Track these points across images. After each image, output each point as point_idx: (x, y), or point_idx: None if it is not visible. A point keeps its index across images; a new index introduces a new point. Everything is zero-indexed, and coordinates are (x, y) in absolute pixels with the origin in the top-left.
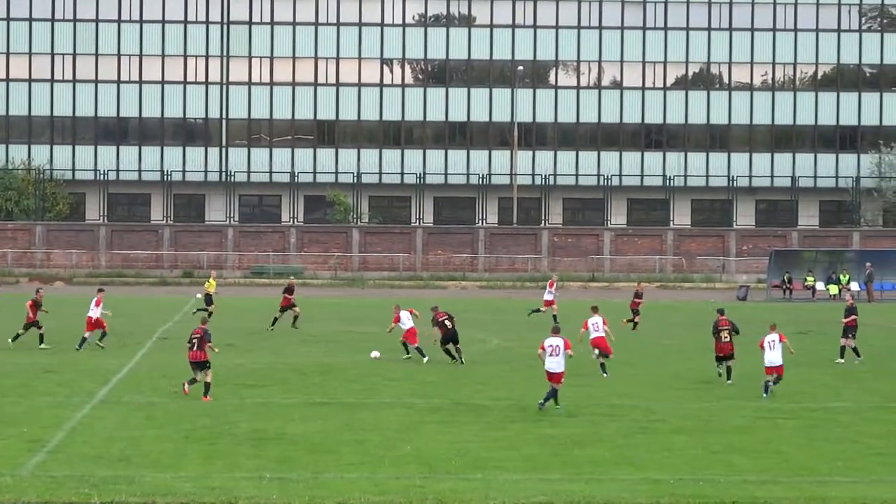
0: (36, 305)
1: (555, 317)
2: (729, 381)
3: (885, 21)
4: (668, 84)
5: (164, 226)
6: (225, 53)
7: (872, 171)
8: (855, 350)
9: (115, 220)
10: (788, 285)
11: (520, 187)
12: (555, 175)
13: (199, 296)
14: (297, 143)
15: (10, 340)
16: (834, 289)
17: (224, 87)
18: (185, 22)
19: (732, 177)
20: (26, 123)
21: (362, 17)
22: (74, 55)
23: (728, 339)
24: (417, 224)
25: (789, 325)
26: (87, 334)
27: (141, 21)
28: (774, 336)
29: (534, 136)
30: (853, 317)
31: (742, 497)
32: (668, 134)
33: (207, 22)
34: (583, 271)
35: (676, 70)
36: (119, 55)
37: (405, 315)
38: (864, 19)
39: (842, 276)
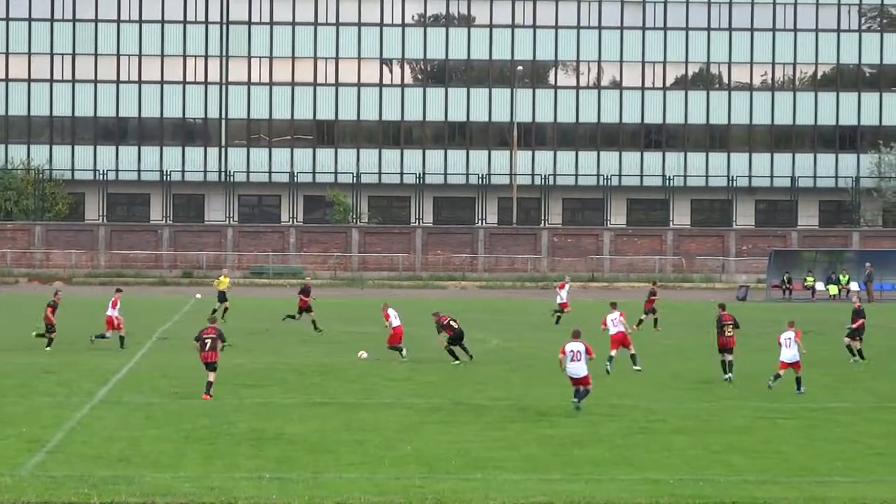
0: (53, 308)
1: (559, 317)
2: (728, 376)
3: (884, 21)
4: (668, 84)
5: (164, 226)
6: (224, 53)
7: (872, 171)
8: (860, 352)
9: (115, 220)
10: (788, 285)
11: (519, 187)
12: (554, 175)
13: (198, 296)
14: (297, 143)
15: (46, 348)
16: (834, 289)
17: (223, 87)
18: (185, 22)
19: (732, 177)
20: (25, 123)
21: (361, 17)
22: (74, 55)
23: (731, 334)
24: (417, 224)
25: None
26: (108, 333)
27: (140, 21)
28: (791, 333)
29: (533, 136)
30: (861, 320)
31: (742, 497)
32: (667, 134)
33: (207, 22)
34: (582, 271)
35: (676, 70)
36: (118, 55)
37: (392, 313)
38: (863, 19)
39: (841, 277)
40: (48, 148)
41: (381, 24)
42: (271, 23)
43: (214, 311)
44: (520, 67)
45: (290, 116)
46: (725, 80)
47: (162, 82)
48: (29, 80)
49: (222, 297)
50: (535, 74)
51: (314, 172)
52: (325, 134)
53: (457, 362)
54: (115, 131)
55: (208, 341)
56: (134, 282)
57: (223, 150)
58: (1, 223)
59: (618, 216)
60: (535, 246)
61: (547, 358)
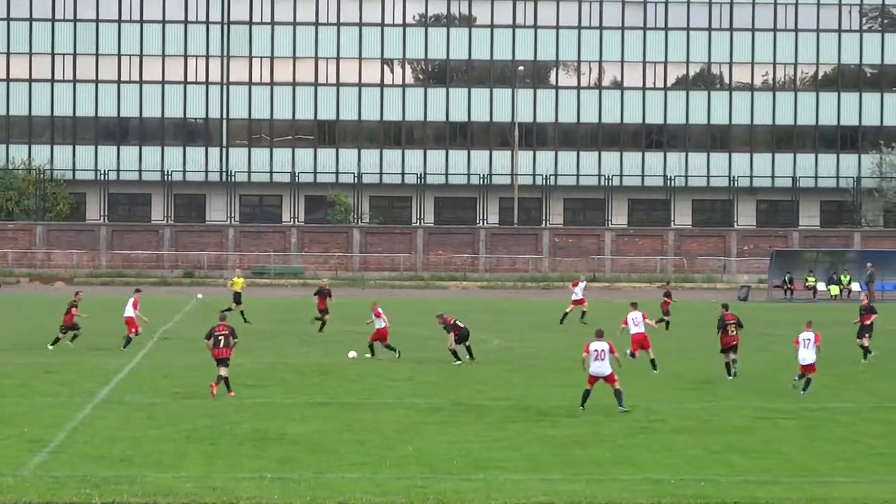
0: (74, 308)
1: (580, 315)
2: (734, 371)
3: (885, 21)
4: (669, 84)
5: (165, 226)
6: (225, 53)
7: (873, 171)
8: (867, 350)
9: (116, 221)
10: (789, 286)
11: (520, 187)
12: (555, 175)
13: (199, 296)
14: (298, 143)
15: (70, 343)
16: (835, 289)
17: (224, 87)
18: (186, 22)
19: (733, 177)
20: (27, 123)
21: (363, 17)
22: (75, 55)
23: (734, 333)
24: (418, 224)
25: (790, 326)
26: (130, 334)
27: (141, 21)
28: (810, 335)
29: (534, 136)
30: (873, 315)
31: (743, 497)
32: (668, 134)
33: (208, 22)
34: (584, 271)
35: (677, 70)
36: (119, 55)
37: (382, 313)
38: (864, 19)
39: (843, 277)
40: (49, 148)
41: (383, 24)
42: (272, 23)
43: (229, 309)
44: (521, 67)
45: (291, 116)
46: (726, 80)
47: (163, 82)
48: (30, 80)
49: (237, 298)
50: (537, 74)
51: (315, 172)
52: (327, 134)
53: (458, 363)
54: (117, 131)
55: (221, 338)
56: (135, 282)
57: (224, 150)
58: (2, 223)
59: (619, 216)
60: (536, 246)
61: (548, 358)
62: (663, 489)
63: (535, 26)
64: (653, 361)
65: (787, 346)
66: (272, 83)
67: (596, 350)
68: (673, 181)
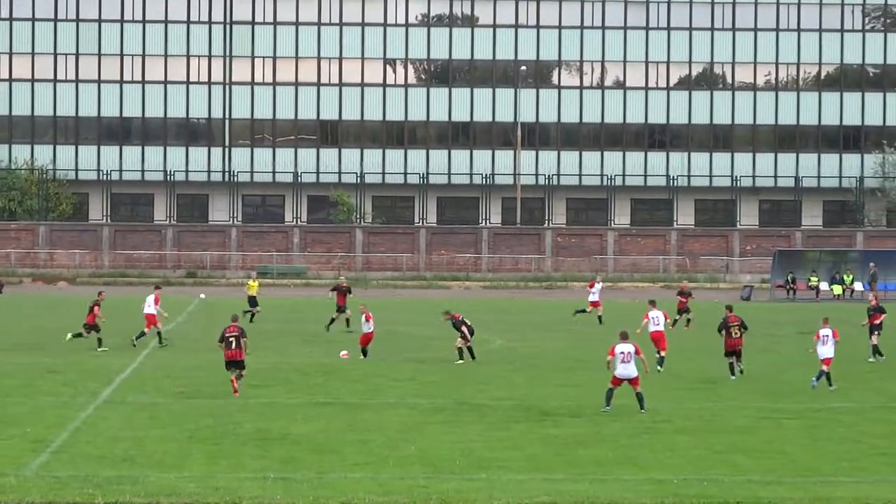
0: (97, 307)
1: (599, 317)
2: (738, 371)
3: (888, 21)
4: (672, 84)
5: (168, 226)
6: (228, 53)
7: (876, 170)
8: (875, 349)
9: (119, 221)
10: (792, 285)
11: (523, 187)
12: (558, 175)
13: (202, 296)
14: (301, 143)
15: (97, 349)
16: (838, 289)
17: (227, 86)
18: (188, 22)
19: (736, 177)
20: (29, 123)
21: (365, 17)
22: (77, 55)
23: (738, 335)
24: (421, 224)
25: (793, 326)
26: (159, 328)
27: (144, 21)
28: (828, 331)
29: (537, 136)
30: (882, 315)
31: (746, 497)
32: (671, 134)
33: (210, 22)
34: (586, 271)
35: (680, 70)
36: (122, 55)
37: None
38: (867, 19)
39: (845, 277)
40: (52, 148)
41: (385, 24)
42: (275, 23)
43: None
44: (523, 67)
45: (293, 116)
46: (729, 80)
47: (165, 82)
48: (32, 80)
49: (253, 301)
50: (539, 74)
51: (318, 172)
52: (329, 134)
53: (461, 361)
54: (119, 131)
55: (232, 340)
56: (138, 282)
57: (227, 150)
58: (5, 223)
59: (621, 216)
60: (538, 246)
61: (551, 358)
62: (666, 489)
63: (538, 26)
64: (661, 359)
65: (790, 345)
66: (275, 83)
67: (622, 352)
68: (675, 181)
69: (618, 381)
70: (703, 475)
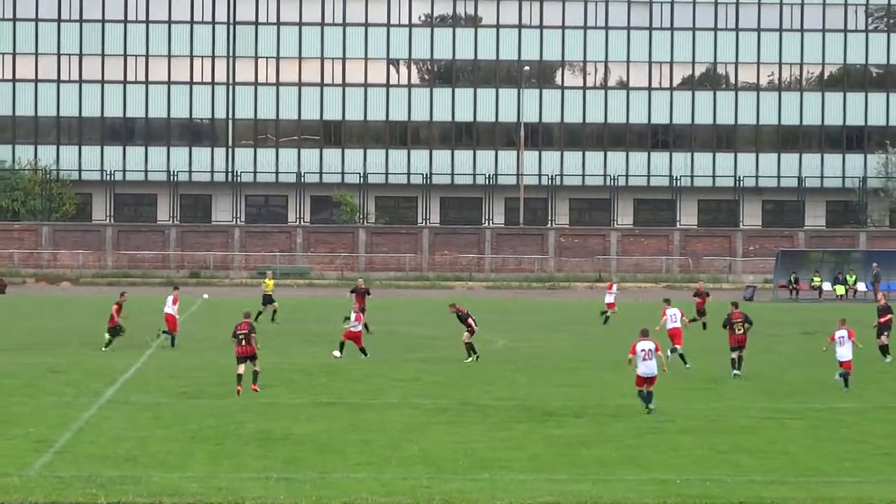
0: (120, 308)
1: (607, 317)
2: (737, 373)
3: (891, 21)
4: (675, 84)
5: (171, 226)
6: (231, 54)
7: (879, 171)
8: (885, 348)
9: (122, 221)
10: (795, 286)
11: (526, 187)
12: (561, 175)
13: (205, 296)
14: (304, 144)
15: (103, 349)
16: (841, 289)
17: (230, 87)
18: (192, 22)
19: (739, 177)
20: (32, 124)
21: (368, 18)
22: (81, 55)
23: (742, 332)
24: (424, 224)
25: (795, 326)
26: (174, 332)
27: (147, 21)
28: (843, 332)
29: (540, 136)
30: (889, 315)
31: (749, 497)
32: (674, 134)
33: (213, 22)
34: (589, 272)
35: (683, 70)
36: (125, 55)
37: (354, 317)
38: (870, 19)
39: (848, 277)
40: (55, 148)
41: (388, 25)
42: (278, 23)
43: (273, 311)
44: (526, 68)
45: (296, 117)
46: (732, 80)
47: (169, 82)
48: (36, 81)
49: (268, 299)
50: (542, 75)
51: (321, 173)
52: (332, 134)
53: (470, 359)
54: (122, 132)
55: (242, 337)
56: (141, 282)
57: (230, 150)
58: (8, 223)
59: (625, 216)
60: (542, 246)
61: (553, 358)
62: (669, 489)
63: (541, 26)
64: (682, 356)
65: (793, 346)
66: (278, 83)
67: (644, 350)
68: (678, 181)
69: (643, 381)
70: (706, 475)
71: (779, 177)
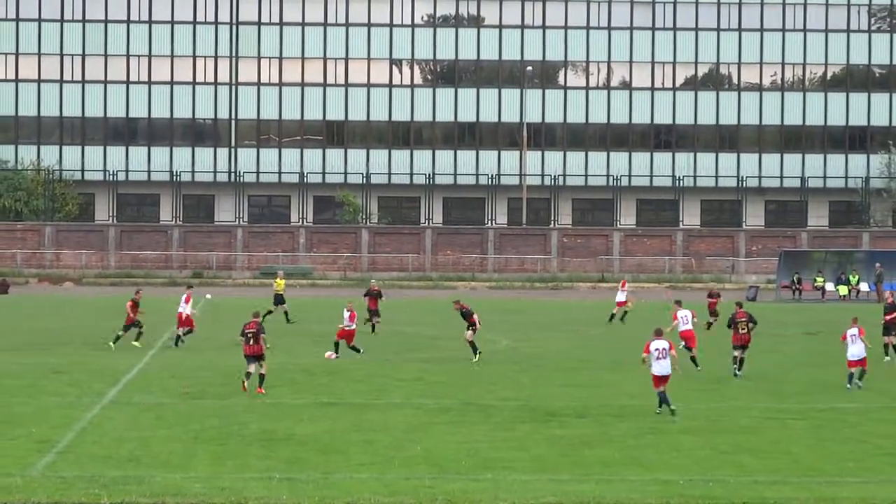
0: (135, 305)
1: (621, 315)
2: (739, 373)
3: (894, 22)
4: (678, 84)
5: (174, 226)
6: (234, 54)
7: (882, 171)
8: (891, 347)
9: (125, 221)
10: (798, 286)
11: (529, 188)
12: (564, 175)
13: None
14: (307, 144)
15: (111, 343)
16: (843, 289)
17: (233, 87)
18: (195, 22)
19: (742, 177)
20: (35, 124)
21: (371, 18)
22: (83, 55)
23: (746, 331)
24: (427, 224)
25: (798, 326)
26: (179, 331)
27: (150, 21)
28: (855, 330)
29: (543, 136)
30: (895, 314)
31: (752, 497)
32: (677, 134)
33: (216, 22)
34: (592, 272)
35: (686, 70)
36: (128, 55)
37: (348, 316)
38: (873, 20)
39: (851, 277)
40: (58, 148)
41: (391, 25)
42: (281, 23)
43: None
44: (529, 68)
45: (299, 117)
46: (735, 80)
47: (172, 83)
48: (39, 81)
49: (279, 299)
50: (545, 75)
51: (324, 173)
52: (335, 134)
53: (476, 358)
54: (125, 132)
55: (251, 336)
56: (144, 282)
57: (233, 150)
58: (11, 224)
59: (627, 216)
60: (544, 246)
61: (556, 358)
62: (672, 489)
63: (544, 27)
64: (693, 359)
65: (796, 346)
66: (281, 84)
67: (658, 349)
68: (681, 181)
69: (659, 381)
70: (709, 475)
71: (781, 177)
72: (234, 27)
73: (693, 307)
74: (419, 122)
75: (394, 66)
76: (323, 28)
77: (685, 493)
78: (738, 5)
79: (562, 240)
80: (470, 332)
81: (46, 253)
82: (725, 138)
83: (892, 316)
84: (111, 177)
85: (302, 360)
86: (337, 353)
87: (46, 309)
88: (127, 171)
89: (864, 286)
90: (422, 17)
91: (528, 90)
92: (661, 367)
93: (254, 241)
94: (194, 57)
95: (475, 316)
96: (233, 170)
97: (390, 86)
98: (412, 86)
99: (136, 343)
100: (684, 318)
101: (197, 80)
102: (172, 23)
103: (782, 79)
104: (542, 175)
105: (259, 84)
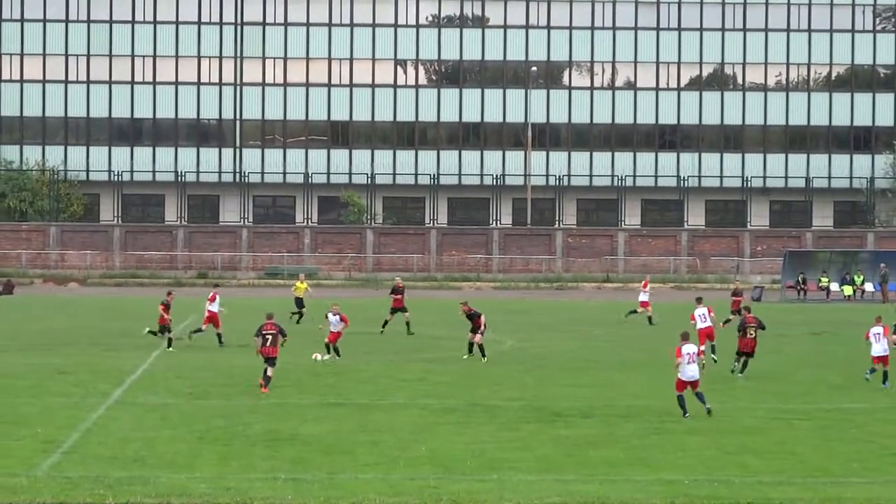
0: (167, 308)
1: (647, 317)
2: (741, 376)
3: None
4: (682, 85)
5: (179, 226)
6: (239, 54)
7: (887, 171)
8: None
9: (130, 221)
10: (803, 286)
11: (534, 188)
12: (569, 176)
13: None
14: (311, 144)
15: (154, 332)
16: (848, 290)
17: (238, 87)
18: (199, 23)
19: (746, 177)
20: (40, 124)
21: (376, 18)
22: (88, 56)
23: (753, 336)
24: (431, 225)
25: (803, 326)
26: (203, 327)
27: (155, 22)
28: (879, 329)
29: (547, 136)
30: None
31: (757, 498)
32: (682, 134)
33: (221, 23)
34: (597, 272)
35: (690, 71)
36: (133, 56)
37: (334, 318)
38: (878, 20)
39: (856, 277)
40: (63, 149)
41: (396, 25)
42: (286, 24)
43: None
44: (534, 68)
45: (304, 117)
46: (740, 80)
47: (177, 83)
48: (44, 81)
49: (300, 303)
50: (550, 75)
51: (329, 173)
52: (340, 135)
53: (484, 359)
54: (130, 132)
55: (269, 337)
56: (149, 283)
57: (238, 150)
58: (16, 224)
59: (632, 217)
60: (549, 247)
61: (561, 358)
62: (677, 490)
63: (548, 27)
64: (713, 346)
65: (801, 346)
66: (285, 84)
67: (689, 353)
68: (686, 181)
69: (684, 385)
70: (714, 476)
71: (786, 177)
72: (238, 28)
73: (690, 308)
74: (424, 123)
75: (398, 67)
76: (328, 28)
77: (690, 493)
78: (743, 5)
79: (566, 240)
80: (479, 336)
81: (51, 253)
82: (730, 138)
83: None
84: (116, 177)
85: (306, 361)
86: (329, 353)
87: (51, 309)
88: (132, 171)
89: (868, 286)
90: (426, 18)
91: (533, 90)
92: (691, 372)
93: (259, 242)
94: (199, 57)
95: (482, 318)
96: (238, 170)
97: (395, 86)
98: (417, 86)
99: (170, 349)
100: (702, 317)
101: (202, 81)
102: (177, 23)
103: (787, 79)
104: (547, 175)
105: (264, 84)
